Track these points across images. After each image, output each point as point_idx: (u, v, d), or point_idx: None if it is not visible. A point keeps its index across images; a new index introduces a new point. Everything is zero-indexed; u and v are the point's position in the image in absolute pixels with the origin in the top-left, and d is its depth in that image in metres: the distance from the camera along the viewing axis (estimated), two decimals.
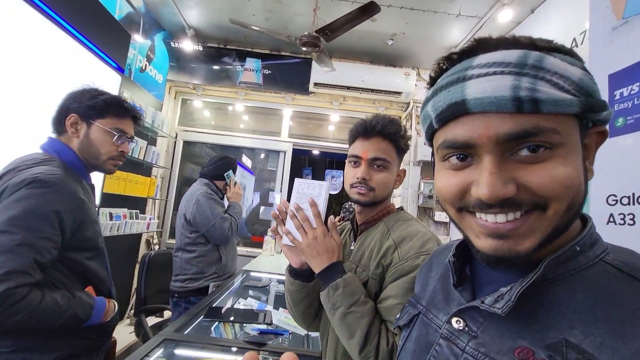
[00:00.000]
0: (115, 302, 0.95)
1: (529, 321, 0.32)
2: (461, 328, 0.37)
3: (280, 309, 1.52)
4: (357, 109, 3.69)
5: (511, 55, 0.31)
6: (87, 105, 0.96)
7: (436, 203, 3.17)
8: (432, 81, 0.38)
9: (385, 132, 0.85)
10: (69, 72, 1.76)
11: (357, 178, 0.85)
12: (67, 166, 0.91)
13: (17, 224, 0.73)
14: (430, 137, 0.39)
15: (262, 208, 3.70)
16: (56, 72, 1.69)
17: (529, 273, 0.32)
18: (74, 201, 0.85)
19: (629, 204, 0.85)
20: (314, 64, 3.20)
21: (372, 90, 3.27)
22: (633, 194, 0.84)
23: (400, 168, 0.92)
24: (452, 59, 0.36)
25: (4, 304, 0.68)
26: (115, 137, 0.98)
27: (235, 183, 2.05)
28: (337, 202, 6.43)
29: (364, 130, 0.87)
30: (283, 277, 2.33)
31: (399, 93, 3.26)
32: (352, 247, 0.94)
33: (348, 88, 3.30)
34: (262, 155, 3.95)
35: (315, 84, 3.30)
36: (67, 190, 0.84)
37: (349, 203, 3.69)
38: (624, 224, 0.85)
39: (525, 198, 0.31)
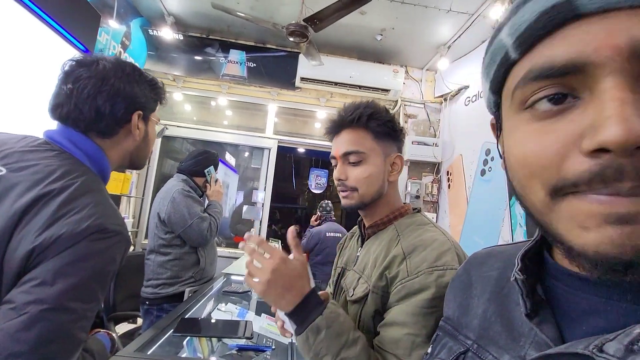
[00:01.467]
0: (112, 334, 0.80)
1: None
2: None
3: (263, 314, 1.40)
4: None
5: None
6: (150, 99, 0.77)
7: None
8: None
9: (345, 120, 0.74)
10: (29, 54, 1.58)
11: (335, 179, 0.76)
12: (100, 180, 0.70)
13: (79, 296, 0.55)
14: (499, 81, 0.27)
15: (245, 207, 3.54)
16: (14, 54, 1.50)
17: None
18: (127, 248, 0.66)
19: None
20: (300, 57, 3.08)
21: (360, 87, 3.18)
22: None
23: (396, 155, 0.78)
24: None
25: None
26: (164, 128, 0.82)
27: (217, 180, 1.90)
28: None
29: (334, 126, 0.77)
30: None
31: (387, 90, 3.18)
32: (358, 254, 0.81)
33: (335, 84, 3.20)
34: (247, 153, 3.79)
35: (302, 79, 3.18)
36: (127, 236, 0.64)
37: (326, 201, 3.59)
38: None
39: None
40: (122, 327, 2.03)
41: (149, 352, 0.92)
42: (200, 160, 1.84)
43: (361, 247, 0.81)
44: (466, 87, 2.79)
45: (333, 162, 0.78)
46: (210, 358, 1.01)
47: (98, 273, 0.57)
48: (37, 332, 0.50)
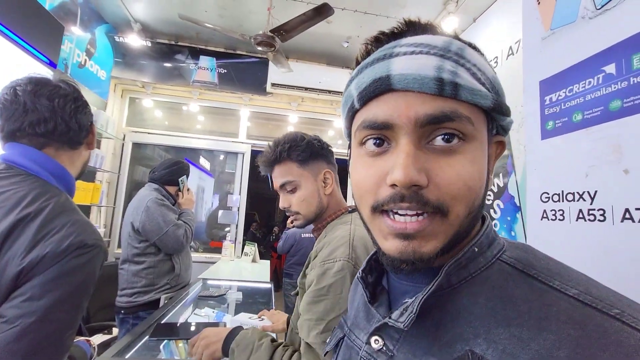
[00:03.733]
0: (91, 341, 0.85)
1: (437, 334, 0.31)
2: (380, 348, 0.35)
3: (242, 312, 1.46)
4: (315, 110, 3.70)
5: (437, 40, 0.32)
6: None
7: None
8: (358, 64, 0.36)
9: (272, 159, 0.86)
10: None
11: (281, 208, 0.89)
12: (68, 196, 0.73)
13: (65, 306, 0.60)
14: (350, 119, 0.37)
15: (220, 212, 3.56)
16: None
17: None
18: (104, 259, 0.71)
19: (559, 200, 0.92)
20: (271, 64, 3.14)
21: (330, 92, 3.29)
22: (562, 191, 0.91)
23: (324, 171, 0.90)
24: (380, 40, 0.35)
25: None
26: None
27: (189, 189, 1.94)
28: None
29: (265, 166, 0.90)
30: (243, 284, 2.26)
31: None
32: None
33: (306, 89, 3.29)
34: (221, 157, 3.80)
35: (273, 85, 3.25)
36: (104, 248, 0.69)
37: None
38: (555, 219, 0.92)
39: (431, 197, 0.30)
40: (97, 338, 2.02)
41: (126, 357, 0.97)
42: (174, 170, 1.88)
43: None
44: None
45: (278, 191, 0.90)
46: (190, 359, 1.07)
47: (81, 285, 0.63)
48: (27, 342, 0.55)
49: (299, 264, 3.32)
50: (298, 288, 0.84)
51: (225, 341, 0.80)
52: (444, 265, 0.32)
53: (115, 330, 2.18)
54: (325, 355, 0.50)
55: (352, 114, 0.36)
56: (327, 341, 0.50)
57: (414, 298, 0.32)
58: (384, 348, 0.35)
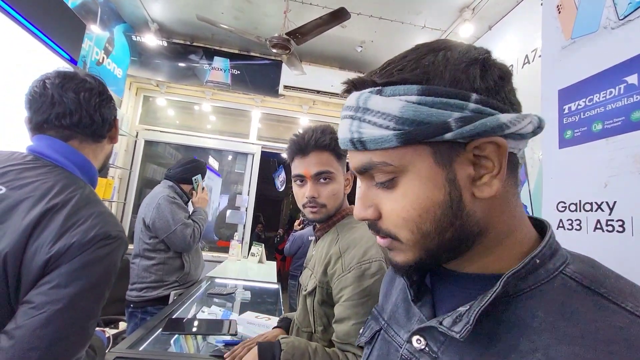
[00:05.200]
0: (106, 331, 0.87)
1: (490, 343, 0.30)
2: (422, 348, 0.35)
3: (248, 312, 1.46)
4: (327, 114, 3.71)
5: (352, 99, 0.35)
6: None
7: None
8: None
9: (320, 144, 0.85)
10: (14, 62, 1.60)
11: (307, 197, 0.85)
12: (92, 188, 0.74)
13: (89, 296, 0.62)
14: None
15: (229, 212, 3.58)
16: None
17: (490, 288, 0.31)
18: (126, 249, 0.73)
19: (575, 210, 0.91)
20: (284, 66, 3.17)
21: (341, 96, 3.30)
22: (580, 201, 0.91)
23: (348, 172, 0.92)
24: (348, 90, 0.39)
25: None
26: None
27: (203, 188, 1.95)
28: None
29: (300, 147, 0.86)
30: (249, 284, 2.26)
31: None
32: (312, 253, 0.95)
33: (317, 92, 3.31)
34: (230, 157, 3.84)
35: (285, 87, 3.27)
36: (125, 239, 0.71)
37: None
38: (571, 229, 0.92)
39: (382, 227, 0.36)
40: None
41: (140, 349, 0.98)
42: (189, 169, 1.90)
43: (314, 247, 0.95)
44: None
45: (298, 179, 0.88)
46: (200, 353, 1.08)
47: (104, 275, 0.64)
48: (54, 329, 0.57)
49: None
50: (315, 286, 0.83)
51: (263, 352, 0.74)
52: (502, 275, 0.31)
53: (121, 325, 2.21)
54: (357, 345, 0.51)
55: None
56: (361, 332, 0.50)
57: (469, 307, 0.31)
58: (427, 349, 0.35)
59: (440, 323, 0.33)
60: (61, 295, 0.58)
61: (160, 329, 1.16)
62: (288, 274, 3.59)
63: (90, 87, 0.75)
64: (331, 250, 0.83)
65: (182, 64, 3.29)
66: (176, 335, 1.19)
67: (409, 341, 0.36)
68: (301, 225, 3.59)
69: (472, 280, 0.35)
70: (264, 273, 2.68)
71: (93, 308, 0.63)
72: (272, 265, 3.15)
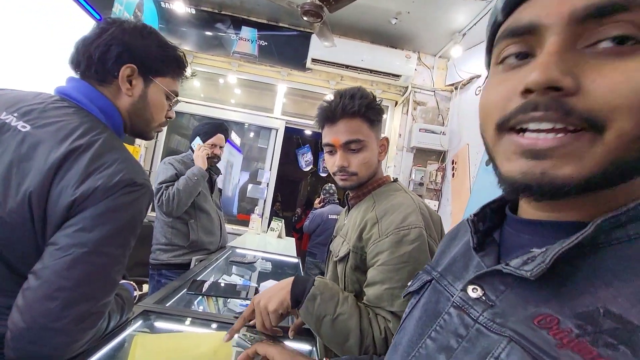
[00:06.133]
0: (133, 283, 0.88)
1: (561, 289, 0.27)
2: (477, 297, 0.32)
3: (270, 280, 1.44)
4: None
5: None
6: (154, 57, 0.73)
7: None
8: None
9: (349, 111, 0.79)
10: (45, 22, 1.59)
11: (337, 166, 0.82)
12: (117, 137, 0.71)
13: (114, 242, 0.61)
14: (491, 41, 0.33)
15: (250, 186, 3.59)
16: (30, 22, 1.51)
17: (570, 236, 0.26)
18: (151, 199, 0.71)
19: None
20: (312, 38, 3.06)
21: (371, 71, 3.16)
22: None
23: (384, 137, 0.88)
24: None
25: (83, 340, 0.60)
26: (173, 100, 0.80)
27: (202, 147, 1.81)
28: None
29: (329, 115, 0.81)
30: (269, 255, 2.26)
31: (398, 76, 3.17)
32: (344, 222, 0.92)
33: (346, 67, 3.18)
34: (252, 134, 3.81)
35: (313, 60, 3.16)
36: (151, 188, 0.69)
37: (329, 185, 3.65)
38: None
39: (580, 106, 0.24)
40: None
41: (167, 305, 0.98)
42: (192, 132, 1.87)
43: (347, 216, 0.91)
44: (478, 77, 2.78)
45: (328, 149, 0.84)
46: (219, 314, 1.07)
47: (129, 222, 0.63)
48: (79, 271, 0.56)
49: (324, 244, 3.32)
50: (348, 252, 0.80)
51: (293, 288, 0.70)
52: (593, 219, 0.26)
53: (145, 287, 2.28)
54: (404, 297, 0.48)
55: (493, 31, 0.32)
56: (409, 284, 0.47)
57: (545, 249, 0.28)
58: (484, 297, 0.32)
59: (507, 265, 0.29)
60: (86, 239, 0.57)
61: (185, 289, 1.16)
62: (305, 253, 3.60)
63: (98, 27, 0.71)
64: (367, 216, 0.79)
65: (209, 33, 3.23)
66: (199, 298, 1.19)
67: (464, 289, 0.34)
68: (321, 204, 3.56)
69: (552, 228, 0.31)
70: (283, 247, 2.68)
71: (118, 255, 0.62)
72: (291, 241, 3.15)
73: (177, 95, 0.81)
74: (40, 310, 0.54)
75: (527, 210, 0.34)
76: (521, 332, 0.26)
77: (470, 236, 0.38)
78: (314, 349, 0.89)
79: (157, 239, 1.75)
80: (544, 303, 0.27)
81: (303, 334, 0.87)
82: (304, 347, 0.90)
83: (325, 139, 0.83)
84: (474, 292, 0.32)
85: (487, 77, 0.35)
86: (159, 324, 0.88)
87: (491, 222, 0.39)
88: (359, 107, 0.79)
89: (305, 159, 4.72)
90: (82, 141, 0.61)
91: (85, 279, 0.57)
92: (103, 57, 0.69)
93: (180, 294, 1.14)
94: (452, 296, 0.36)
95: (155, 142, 3.46)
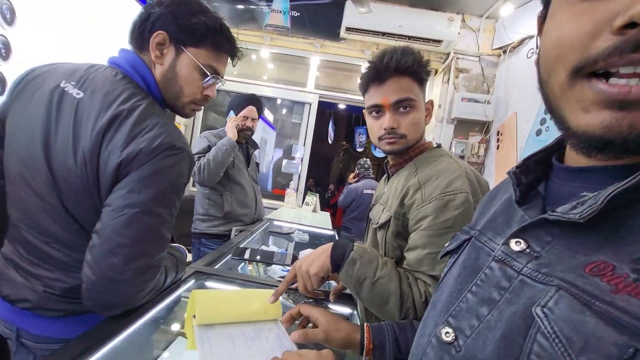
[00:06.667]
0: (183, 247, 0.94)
1: (617, 234, 0.25)
2: (521, 249, 0.31)
3: (309, 249, 1.46)
4: None
5: None
6: (183, 24, 0.70)
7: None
8: None
9: (402, 67, 0.74)
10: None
11: (385, 129, 0.77)
12: (159, 105, 0.73)
13: (161, 202, 0.64)
14: None
15: (284, 161, 3.63)
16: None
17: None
18: (192, 163, 0.72)
19: None
20: (347, 5, 2.91)
21: (409, 38, 2.97)
22: None
23: (429, 100, 0.84)
24: None
25: (147, 291, 0.66)
26: (208, 78, 0.75)
27: (233, 119, 1.83)
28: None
29: (377, 73, 0.76)
30: (306, 228, 2.29)
31: (439, 42, 2.95)
32: (384, 190, 0.89)
33: (383, 34, 3.01)
34: (285, 109, 3.80)
35: (347, 29, 3.03)
36: (190, 152, 0.70)
37: (364, 159, 3.58)
38: None
39: None
40: None
41: (215, 267, 1.04)
42: (226, 110, 1.92)
43: (387, 184, 0.89)
44: (530, 37, 2.52)
45: (374, 110, 0.80)
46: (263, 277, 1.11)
47: (173, 184, 0.66)
48: (134, 230, 0.61)
49: (358, 219, 3.32)
50: (389, 218, 0.78)
51: (333, 252, 0.71)
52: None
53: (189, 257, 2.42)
54: (441, 258, 0.47)
55: None
56: (446, 244, 0.46)
57: (597, 193, 0.26)
58: (528, 250, 0.30)
59: (553, 211, 0.28)
60: (135, 200, 0.61)
61: (230, 255, 1.21)
62: (340, 228, 3.63)
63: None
64: (409, 182, 0.76)
65: (241, 6, 3.19)
66: (241, 264, 1.24)
67: (506, 243, 0.32)
68: (356, 179, 3.52)
69: (607, 173, 0.28)
70: (318, 220, 2.71)
71: (166, 214, 0.66)
72: (326, 215, 3.18)
73: (217, 73, 0.76)
74: (106, 264, 0.59)
75: (577, 159, 0.31)
76: (570, 281, 0.25)
77: (513, 189, 0.36)
78: (355, 311, 0.90)
79: (197, 210, 1.86)
80: (595, 250, 0.25)
81: (343, 298, 0.88)
82: (345, 310, 0.91)
83: (371, 101, 0.79)
84: (517, 245, 0.31)
85: (545, 12, 0.30)
86: (210, 284, 0.93)
87: (534, 175, 0.37)
88: (413, 63, 0.75)
89: (360, 140, 4.62)
90: (125, 106, 0.64)
91: (140, 236, 0.61)
92: (142, 25, 0.71)
93: (224, 260, 1.19)
94: (493, 251, 0.34)
95: (194, 120, 3.57)
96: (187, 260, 1.97)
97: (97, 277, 0.59)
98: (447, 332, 0.34)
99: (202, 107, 0.81)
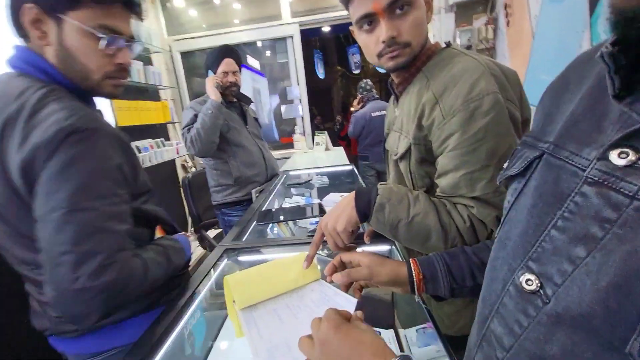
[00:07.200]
0: (186, 233, 0.88)
1: None
2: (629, 163, 0.23)
3: (331, 193, 1.44)
4: None
5: None
6: None
7: None
8: None
9: None
10: None
11: (383, 42, 0.64)
12: (68, 92, 0.63)
13: (90, 194, 0.57)
14: None
15: (283, 107, 3.46)
16: None
17: None
18: (122, 143, 0.65)
19: None
20: None
21: None
22: None
23: None
24: None
25: (116, 292, 0.57)
26: (102, 40, 0.62)
27: (209, 78, 1.69)
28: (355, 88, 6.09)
29: None
30: (323, 170, 2.25)
31: None
32: (395, 114, 0.78)
33: None
34: (269, 51, 3.48)
35: None
36: (111, 132, 0.62)
37: (364, 80, 3.33)
38: None
39: None
40: (211, 233, 2.35)
41: (242, 240, 1.03)
42: (204, 70, 1.75)
43: (397, 106, 0.78)
44: None
45: (365, 22, 0.65)
46: (297, 237, 1.10)
47: (97, 170, 0.58)
48: (69, 232, 0.54)
49: (372, 145, 3.22)
50: (409, 146, 0.69)
51: (357, 203, 0.64)
52: None
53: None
54: (499, 183, 0.38)
55: None
56: (506, 166, 0.37)
57: None
58: None
59: None
60: (56, 201, 0.55)
61: (255, 221, 1.20)
62: (357, 157, 3.56)
63: None
64: (423, 99, 0.65)
65: None
66: (270, 225, 1.23)
67: (604, 157, 0.24)
68: (360, 104, 3.33)
69: None
70: (333, 158, 2.66)
71: (103, 206, 0.58)
72: (340, 150, 3.11)
73: (115, 32, 0.64)
74: (57, 278, 0.54)
75: None
76: None
77: (608, 78, 0.25)
78: (393, 247, 0.88)
79: (210, 183, 1.84)
80: None
81: (379, 236, 0.85)
82: (383, 247, 0.89)
83: (359, 11, 0.65)
84: (621, 157, 0.23)
85: None
86: (243, 258, 0.93)
87: (636, 53, 0.25)
88: None
89: (354, 60, 4.26)
90: (13, 106, 0.57)
91: (78, 238, 0.54)
92: (11, 8, 0.60)
93: (251, 227, 1.18)
94: (583, 170, 0.26)
95: (179, 90, 3.38)
96: (219, 232, 1.99)
97: (56, 293, 0.54)
98: (528, 280, 0.28)
99: (124, 80, 0.70)
